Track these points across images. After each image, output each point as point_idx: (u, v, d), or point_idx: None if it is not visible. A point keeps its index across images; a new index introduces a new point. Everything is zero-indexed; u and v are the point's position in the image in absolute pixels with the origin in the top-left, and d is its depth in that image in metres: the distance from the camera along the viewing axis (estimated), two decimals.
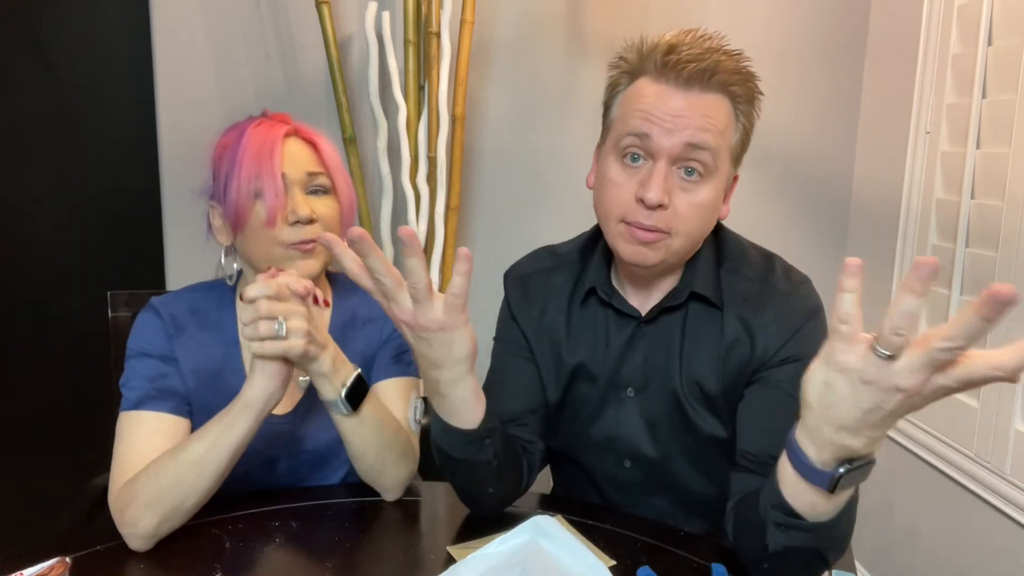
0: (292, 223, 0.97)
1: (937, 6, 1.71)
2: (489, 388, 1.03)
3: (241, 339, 1.05)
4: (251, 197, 0.96)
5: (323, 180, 1.02)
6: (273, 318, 0.86)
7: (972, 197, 1.59)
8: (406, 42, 1.63)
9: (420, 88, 1.67)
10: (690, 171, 0.88)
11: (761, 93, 0.92)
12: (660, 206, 0.87)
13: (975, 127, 1.58)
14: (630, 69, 0.92)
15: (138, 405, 0.96)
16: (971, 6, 1.61)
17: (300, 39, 1.76)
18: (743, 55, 0.90)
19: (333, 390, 0.93)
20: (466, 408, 0.86)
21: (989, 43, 1.57)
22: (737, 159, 0.93)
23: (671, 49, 0.87)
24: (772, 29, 1.93)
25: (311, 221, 0.98)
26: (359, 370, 0.96)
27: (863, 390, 0.61)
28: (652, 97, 0.88)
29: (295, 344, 0.88)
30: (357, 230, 0.73)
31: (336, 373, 0.93)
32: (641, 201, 0.87)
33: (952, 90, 1.68)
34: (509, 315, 1.07)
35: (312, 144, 1.02)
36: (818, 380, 0.65)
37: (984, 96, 1.57)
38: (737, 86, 0.89)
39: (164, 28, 1.70)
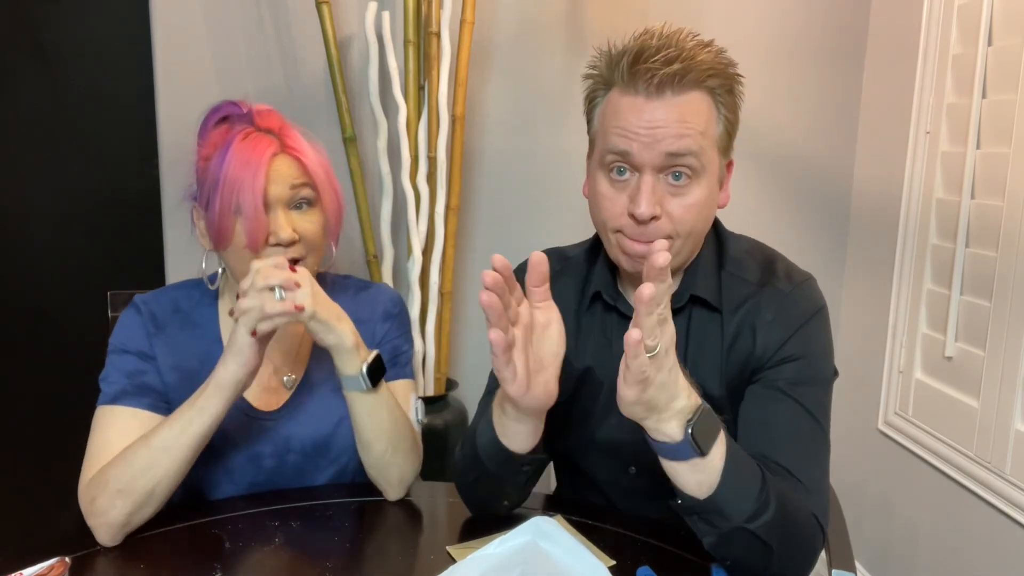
0: (273, 244, 0.97)
1: (937, 6, 1.71)
2: (492, 391, 1.03)
3: (222, 335, 1.05)
4: (232, 216, 0.95)
5: (307, 192, 0.99)
6: (271, 288, 0.89)
7: (972, 197, 1.59)
8: (406, 42, 1.63)
9: (420, 88, 1.67)
10: (678, 175, 0.86)
11: (741, 76, 0.90)
12: (653, 218, 0.86)
13: (975, 127, 1.58)
14: (603, 80, 0.90)
15: (115, 400, 0.98)
16: (971, 6, 1.61)
17: (300, 39, 1.76)
18: (713, 43, 0.88)
19: (355, 365, 0.95)
20: (525, 438, 0.88)
21: (989, 43, 1.57)
22: (725, 149, 0.91)
23: (637, 57, 0.84)
24: (772, 29, 1.93)
25: (292, 243, 0.98)
26: (378, 351, 0.99)
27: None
28: (626, 111, 0.86)
29: (304, 299, 0.90)
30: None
31: (359, 347, 0.96)
32: (633, 216, 0.87)
33: (952, 90, 1.68)
34: None
35: (298, 160, 0.99)
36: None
37: (984, 96, 1.57)
38: (713, 79, 0.86)
39: (164, 28, 1.70)
